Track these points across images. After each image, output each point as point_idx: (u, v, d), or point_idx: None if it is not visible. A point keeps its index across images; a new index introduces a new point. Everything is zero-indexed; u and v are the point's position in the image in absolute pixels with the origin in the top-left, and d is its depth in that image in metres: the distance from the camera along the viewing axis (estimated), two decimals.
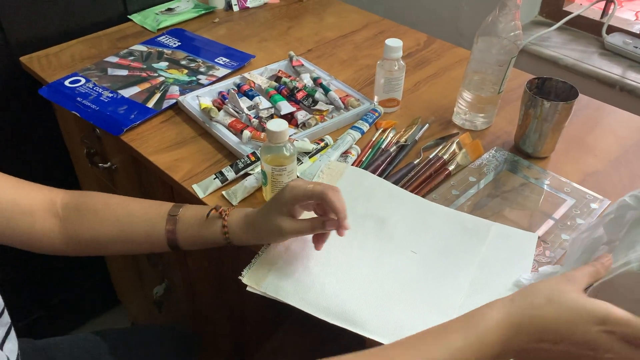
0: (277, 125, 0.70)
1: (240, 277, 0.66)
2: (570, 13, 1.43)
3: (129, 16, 1.24)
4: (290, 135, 0.84)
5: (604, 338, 0.43)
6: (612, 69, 1.29)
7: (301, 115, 0.90)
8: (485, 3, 1.43)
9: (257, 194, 0.78)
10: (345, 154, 0.84)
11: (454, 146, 0.86)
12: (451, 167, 0.82)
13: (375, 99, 0.94)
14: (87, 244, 0.68)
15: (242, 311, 1.09)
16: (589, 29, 1.45)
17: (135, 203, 0.69)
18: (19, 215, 0.64)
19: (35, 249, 0.67)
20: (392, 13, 1.50)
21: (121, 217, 0.67)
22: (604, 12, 1.43)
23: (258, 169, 0.81)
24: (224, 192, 0.78)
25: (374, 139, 0.88)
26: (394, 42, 0.89)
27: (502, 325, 0.45)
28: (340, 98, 0.94)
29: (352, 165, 0.83)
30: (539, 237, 0.72)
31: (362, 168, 0.82)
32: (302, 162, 0.83)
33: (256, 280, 0.65)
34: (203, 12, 1.27)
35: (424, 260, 0.67)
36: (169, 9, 1.26)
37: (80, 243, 0.68)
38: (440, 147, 0.87)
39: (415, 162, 0.83)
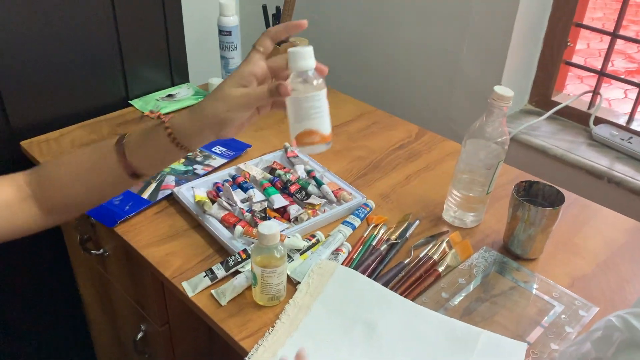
0: (268, 227, 0.71)
1: None
2: (559, 103, 1.48)
3: (130, 101, 1.28)
4: (281, 231, 0.85)
5: None
6: (599, 160, 1.33)
7: (294, 210, 0.91)
8: (477, 97, 1.49)
9: (246, 293, 0.78)
10: (336, 252, 0.85)
11: (444, 245, 0.87)
12: (441, 268, 0.83)
13: (291, 135, 0.67)
14: (61, 208, 0.72)
15: None
16: (577, 119, 1.50)
17: (82, 153, 0.72)
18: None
19: (23, 234, 0.70)
20: (384, 102, 1.54)
21: (76, 172, 0.70)
22: (591, 103, 1.48)
23: (248, 267, 0.81)
24: (212, 291, 0.78)
25: (365, 235, 0.89)
26: (300, 48, 0.62)
27: None
28: (333, 192, 0.96)
29: (342, 263, 0.83)
30: (528, 345, 0.71)
31: (353, 267, 0.83)
32: (293, 260, 0.83)
33: None
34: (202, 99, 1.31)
35: None
36: (170, 95, 1.30)
37: (57, 209, 0.72)
38: (431, 245, 0.88)
39: (405, 262, 0.84)
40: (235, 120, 0.64)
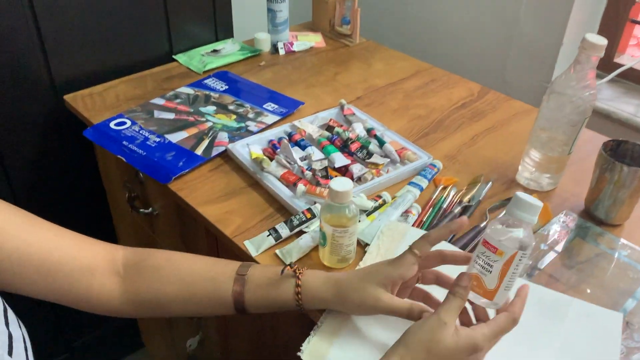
0: (341, 184, 0.66)
1: (299, 354, 0.60)
2: (621, 65, 1.39)
3: (174, 56, 1.22)
4: None
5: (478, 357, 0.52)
6: None
7: (356, 169, 0.85)
8: (535, 59, 1.40)
9: (312, 254, 0.73)
10: (405, 213, 0.79)
11: None
12: None
13: None
14: (148, 305, 0.63)
15: None
16: None
17: (200, 261, 0.65)
18: (78, 272, 0.60)
19: (92, 309, 0.62)
20: (434, 60, 1.47)
21: (185, 275, 0.63)
22: None
23: (313, 227, 0.76)
24: (277, 251, 0.73)
25: (434, 197, 0.83)
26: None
27: None
28: (396, 151, 0.90)
29: (412, 225, 0.78)
30: (624, 316, 0.65)
31: (424, 229, 0.77)
32: (360, 221, 0.78)
33: (317, 357, 0.60)
34: (249, 54, 1.24)
35: (499, 342, 0.61)
36: (215, 51, 1.24)
37: (142, 304, 0.63)
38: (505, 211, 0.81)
39: (482, 226, 0.78)
40: (362, 314, 0.62)
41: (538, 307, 0.65)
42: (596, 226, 0.80)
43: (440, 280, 0.61)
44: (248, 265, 0.64)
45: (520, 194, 0.54)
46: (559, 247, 0.76)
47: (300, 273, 0.61)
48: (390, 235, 0.74)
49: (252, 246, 0.74)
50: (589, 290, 0.69)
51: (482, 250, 0.54)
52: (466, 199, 0.83)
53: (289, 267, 0.61)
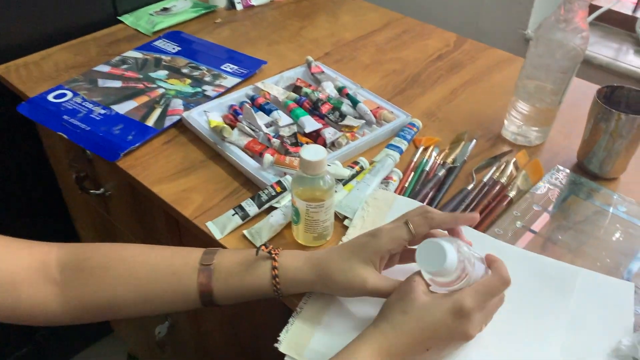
0: (313, 152, 0.57)
1: (276, 345, 0.53)
2: (599, 7, 1.31)
3: (119, 17, 1.09)
4: None
5: (464, 320, 0.47)
6: None
7: (329, 134, 0.77)
8: (509, 4, 1.31)
9: (284, 232, 0.65)
10: (385, 180, 0.71)
11: (511, 166, 0.74)
12: (511, 194, 0.70)
13: None
14: (97, 310, 0.54)
15: (257, 352, 0.96)
16: (620, 24, 1.34)
17: (156, 253, 0.55)
18: None
19: (28, 322, 0.53)
20: (405, 10, 1.37)
21: (139, 273, 0.54)
22: (637, 6, 1.31)
23: (284, 202, 0.68)
24: (245, 232, 0.65)
25: (415, 160, 0.76)
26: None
27: (376, 356, 0.46)
28: (371, 111, 0.82)
29: (394, 192, 0.70)
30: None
31: (407, 196, 0.69)
32: (335, 191, 0.70)
33: (297, 348, 0.53)
34: (203, 11, 1.13)
35: (502, 320, 0.54)
36: (165, 9, 1.12)
37: (89, 310, 0.54)
38: (494, 168, 0.74)
39: (469, 188, 0.71)
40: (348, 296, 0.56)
41: (543, 280, 0.59)
42: (591, 181, 0.74)
43: None
44: (213, 252, 0.56)
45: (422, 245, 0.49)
46: (553, 207, 0.69)
47: (275, 254, 0.54)
48: (376, 206, 0.67)
49: (216, 228, 0.66)
50: (589, 253, 0.63)
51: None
52: (450, 159, 0.75)
53: (263, 247, 0.54)
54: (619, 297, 0.57)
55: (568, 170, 0.75)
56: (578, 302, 0.56)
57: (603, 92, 0.73)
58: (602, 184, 0.73)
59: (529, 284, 0.58)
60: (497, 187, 0.71)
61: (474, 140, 0.79)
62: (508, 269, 0.51)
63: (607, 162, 0.73)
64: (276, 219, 0.65)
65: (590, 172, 0.75)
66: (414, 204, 0.66)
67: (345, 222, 0.66)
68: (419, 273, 0.50)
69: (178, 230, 0.80)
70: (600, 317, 0.55)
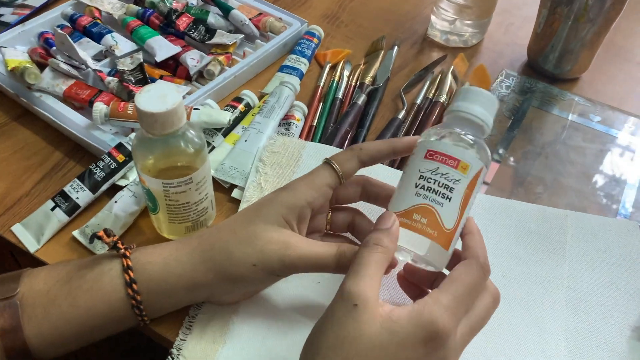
0: (157, 97, 0.34)
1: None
2: None
3: None
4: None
5: (441, 350, 0.28)
6: None
7: (193, 60, 0.52)
8: None
9: (141, 223, 0.42)
10: (285, 121, 0.49)
11: (449, 79, 0.54)
12: None
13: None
14: None
15: None
16: None
17: None
18: None
19: None
20: None
21: None
22: None
23: (135, 177, 0.44)
24: (75, 233, 0.41)
25: (321, 86, 0.54)
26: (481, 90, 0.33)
27: None
28: (250, 20, 0.57)
29: (301, 137, 0.48)
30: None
31: (319, 142, 0.48)
32: (213, 147, 0.47)
33: None
34: None
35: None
36: None
37: None
38: (428, 83, 0.55)
39: (399, 117, 0.50)
40: (261, 286, 0.38)
41: (525, 235, 0.41)
42: (552, 86, 0.56)
43: (356, 226, 0.39)
44: (16, 277, 0.33)
45: (468, 87, 0.33)
46: (514, 127, 0.52)
47: (125, 248, 0.34)
48: (277, 162, 0.45)
49: (27, 233, 0.41)
50: (572, 185, 0.47)
51: (429, 166, 0.31)
52: (368, 79, 0.54)
53: (104, 236, 0.34)
54: (626, 240, 0.41)
55: (516, 74, 0.57)
56: (574, 261, 0.40)
57: None
58: (563, 88, 0.56)
59: (511, 243, 0.41)
60: (437, 109, 0.51)
61: (396, 48, 0.58)
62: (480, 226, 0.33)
63: (568, 59, 0.56)
64: (124, 205, 0.42)
65: (546, 72, 0.57)
66: (330, 151, 0.45)
67: (234, 194, 0.44)
68: (363, 279, 0.29)
69: None
70: (606, 276, 0.39)
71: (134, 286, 0.33)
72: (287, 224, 0.34)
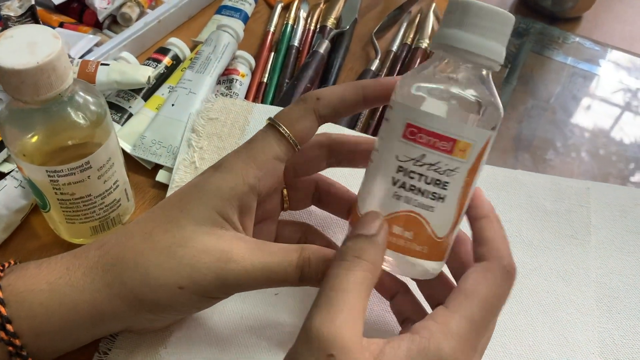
0: (24, 47, 0.23)
1: None
2: None
3: None
4: (83, 56, 0.36)
5: None
6: None
7: (102, 1, 0.40)
8: None
9: (34, 224, 0.31)
10: (227, 77, 0.38)
11: (431, 19, 0.44)
12: None
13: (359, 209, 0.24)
14: None
15: None
16: None
17: None
18: None
19: None
20: None
21: None
22: None
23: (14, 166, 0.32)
24: None
25: (271, 31, 0.42)
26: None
27: None
28: None
29: (248, 98, 0.38)
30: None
31: (271, 104, 0.38)
32: (129, 114, 0.36)
33: None
34: None
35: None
36: None
37: None
38: (405, 25, 0.44)
39: (372, 68, 0.40)
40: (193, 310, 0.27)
41: (540, 217, 0.32)
42: (552, 27, 0.47)
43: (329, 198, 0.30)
44: None
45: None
46: (511, 77, 0.42)
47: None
48: (216, 132, 0.34)
49: None
50: (589, 147, 0.38)
51: (411, 153, 0.21)
52: (331, 21, 0.43)
53: None
54: None
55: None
56: (601, 244, 0.32)
57: None
58: (564, 29, 0.47)
59: (519, 233, 0.32)
60: (418, 57, 0.41)
61: None
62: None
63: None
64: (7, 199, 0.30)
65: (544, 11, 0.48)
66: None
67: (160, 177, 0.33)
68: (340, 313, 0.19)
69: None
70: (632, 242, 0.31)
71: (9, 327, 0.22)
72: (224, 221, 0.24)
